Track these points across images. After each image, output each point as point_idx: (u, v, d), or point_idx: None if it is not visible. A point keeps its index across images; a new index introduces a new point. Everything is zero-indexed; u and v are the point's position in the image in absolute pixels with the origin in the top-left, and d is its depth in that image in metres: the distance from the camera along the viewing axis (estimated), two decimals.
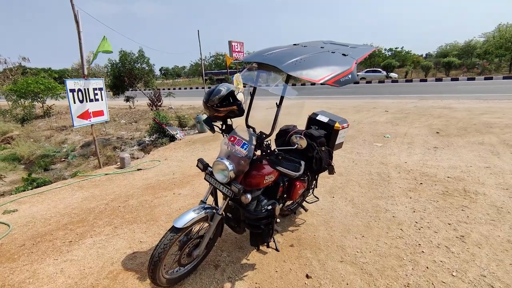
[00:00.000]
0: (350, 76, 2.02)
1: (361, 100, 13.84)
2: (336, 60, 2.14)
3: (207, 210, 2.13)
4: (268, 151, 2.16)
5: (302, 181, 2.80)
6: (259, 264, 2.44)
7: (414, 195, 3.65)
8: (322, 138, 2.85)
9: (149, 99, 13.35)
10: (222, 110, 2.22)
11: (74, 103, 5.32)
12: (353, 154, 5.59)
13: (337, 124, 2.94)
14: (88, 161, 10.75)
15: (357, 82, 26.64)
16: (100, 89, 5.87)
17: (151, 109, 13.31)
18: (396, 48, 32.49)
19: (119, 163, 5.87)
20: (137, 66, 12.48)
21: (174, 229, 1.94)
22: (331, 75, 1.92)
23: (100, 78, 6.23)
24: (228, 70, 12.81)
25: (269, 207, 2.29)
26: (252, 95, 2.47)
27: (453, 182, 3.96)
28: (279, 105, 2.12)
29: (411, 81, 25.23)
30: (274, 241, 2.65)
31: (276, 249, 2.61)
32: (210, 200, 2.37)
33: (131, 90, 14.05)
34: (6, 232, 3.24)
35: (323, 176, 4.38)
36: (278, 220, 2.56)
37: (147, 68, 12.98)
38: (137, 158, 7.49)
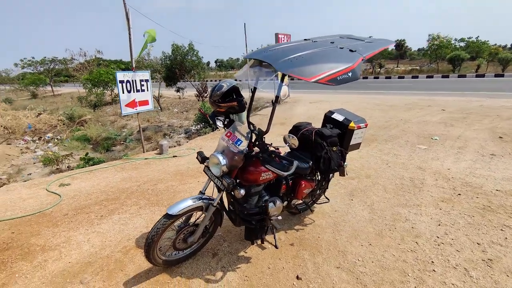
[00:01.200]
0: (350, 74, 1.89)
1: (416, 96, 12.56)
2: (338, 56, 2.01)
3: (203, 201, 2.24)
4: (264, 148, 2.16)
5: (309, 180, 2.74)
6: (254, 259, 2.49)
7: (446, 206, 3.26)
8: (334, 137, 2.73)
9: (197, 90, 14.10)
10: (223, 105, 2.28)
11: (123, 93, 5.92)
12: (389, 155, 5.18)
13: (352, 124, 2.77)
14: (141, 145, 11.93)
15: (366, 77, 24.14)
16: (146, 80, 6.42)
17: (198, 100, 14.06)
18: (469, 38, 28.02)
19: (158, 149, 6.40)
20: (187, 58, 13.24)
21: (167, 216, 2.09)
22: (326, 73, 1.83)
23: (146, 70, 6.80)
24: None
25: (262, 204, 2.30)
26: (253, 92, 2.47)
27: (501, 197, 3.42)
28: (274, 103, 2.10)
29: (483, 76, 21.74)
30: (274, 238, 2.66)
31: (275, 246, 2.62)
32: (210, 192, 2.47)
33: (182, 81, 15.01)
34: (57, 202, 3.84)
35: (347, 177, 4.18)
36: (279, 217, 2.56)
37: (196, 60, 13.68)
38: (180, 145, 8.08)
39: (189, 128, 13.02)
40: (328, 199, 3.16)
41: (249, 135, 2.18)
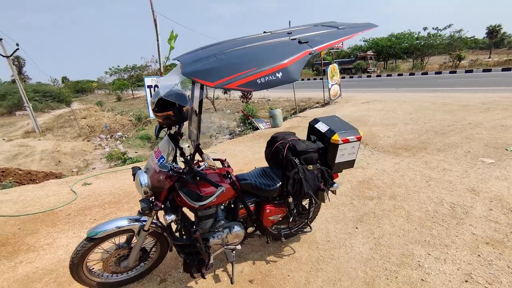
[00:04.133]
0: (280, 74, 1.37)
1: (502, 93, 10.04)
2: (272, 53, 1.51)
3: (141, 223, 1.99)
4: (189, 168, 1.78)
5: (277, 205, 2.24)
6: None
7: (490, 252, 2.31)
8: (311, 153, 2.17)
9: (241, 92, 14.16)
10: (159, 115, 1.99)
11: (151, 97, 6.17)
12: (435, 170, 4.12)
13: (334, 137, 2.15)
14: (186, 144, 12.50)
15: (439, 73, 19.53)
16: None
17: (242, 102, 14.09)
18: None
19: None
20: None
21: (87, 238, 1.90)
22: (238, 75, 1.35)
23: None
24: (323, 62, 11.95)
25: (192, 234, 1.92)
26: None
27: None
28: (198, 113, 1.70)
29: None
30: (232, 270, 2.25)
31: (231, 281, 2.21)
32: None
33: None
34: (69, 201, 4.11)
35: (364, 197, 3.43)
36: (238, 247, 2.17)
37: None
38: (215, 145, 8.12)
39: (233, 129, 13.18)
40: (311, 228, 2.57)
41: (173, 152, 1.84)
